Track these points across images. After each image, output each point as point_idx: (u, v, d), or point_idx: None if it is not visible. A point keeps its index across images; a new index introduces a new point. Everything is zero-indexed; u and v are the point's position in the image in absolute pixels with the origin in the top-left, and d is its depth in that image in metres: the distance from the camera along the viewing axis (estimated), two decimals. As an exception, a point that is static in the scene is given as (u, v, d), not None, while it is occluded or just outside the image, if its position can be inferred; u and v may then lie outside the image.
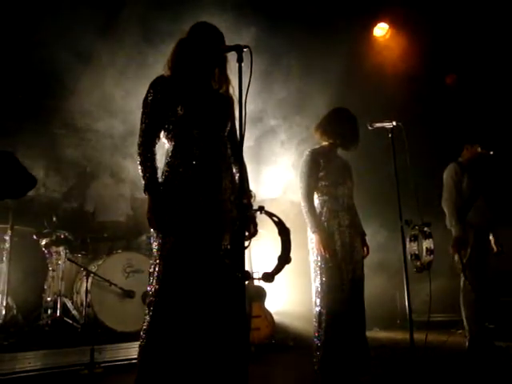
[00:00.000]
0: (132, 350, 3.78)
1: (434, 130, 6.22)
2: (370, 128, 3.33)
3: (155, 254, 2.21)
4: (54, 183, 4.80)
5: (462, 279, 4.03)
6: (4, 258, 4.30)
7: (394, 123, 3.25)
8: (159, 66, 2.41)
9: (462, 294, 4.03)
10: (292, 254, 2.09)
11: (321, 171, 3.28)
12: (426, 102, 6.37)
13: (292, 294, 5.56)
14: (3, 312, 4.08)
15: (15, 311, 4.25)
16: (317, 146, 3.43)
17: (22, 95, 4.83)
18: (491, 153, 4.23)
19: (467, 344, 3.96)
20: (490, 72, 6.06)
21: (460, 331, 4.48)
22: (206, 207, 2.22)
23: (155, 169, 2.23)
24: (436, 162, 4.66)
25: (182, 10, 3.91)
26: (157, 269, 2.17)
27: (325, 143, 3.41)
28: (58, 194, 4.85)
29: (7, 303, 4.14)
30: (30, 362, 3.40)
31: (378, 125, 3.30)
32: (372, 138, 3.55)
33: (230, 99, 2.43)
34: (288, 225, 2.15)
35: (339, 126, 3.35)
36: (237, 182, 2.37)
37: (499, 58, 5.92)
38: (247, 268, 1.98)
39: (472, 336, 3.93)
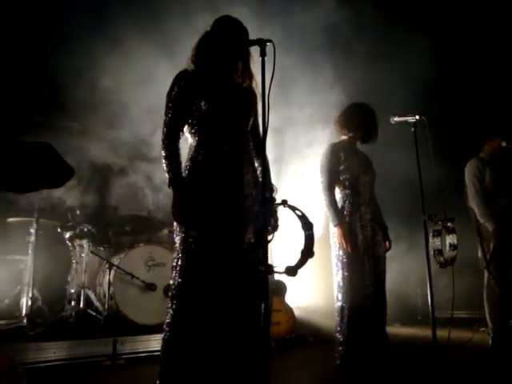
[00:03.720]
0: (153, 342, 3.83)
1: (457, 124, 6.10)
2: (392, 122, 3.28)
3: (178, 247, 2.22)
4: (77, 178, 4.85)
5: (486, 275, 3.97)
6: (30, 251, 4.39)
7: (418, 117, 3.16)
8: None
9: (486, 290, 3.96)
10: (315, 248, 2.09)
11: (341, 164, 3.26)
12: (448, 94, 6.25)
13: (313, 289, 5.55)
14: (29, 303, 4.17)
15: (40, 302, 4.35)
16: (336, 140, 3.41)
17: (48, 92, 4.88)
18: (516, 147, 4.13)
19: (491, 342, 3.91)
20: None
21: (483, 329, 4.40)
22: (229, 202, 2.23)
23: (179, 163, 2.24)
24: (460, 156, 4.57)
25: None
26: (179, 263, 2.18)
27: (344, 137, 3.39)
28: (82, 187, 4.91)
29: (33, 294, 4.24)
30: (54, 351, 3.46)
31: (401, 118, 3.24)
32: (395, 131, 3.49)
33: (253, 93, 2.43)
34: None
35: (359, 120, 3.32)
36: (259, 176, 2.38)
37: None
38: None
39: (496, 334, 3.87)
